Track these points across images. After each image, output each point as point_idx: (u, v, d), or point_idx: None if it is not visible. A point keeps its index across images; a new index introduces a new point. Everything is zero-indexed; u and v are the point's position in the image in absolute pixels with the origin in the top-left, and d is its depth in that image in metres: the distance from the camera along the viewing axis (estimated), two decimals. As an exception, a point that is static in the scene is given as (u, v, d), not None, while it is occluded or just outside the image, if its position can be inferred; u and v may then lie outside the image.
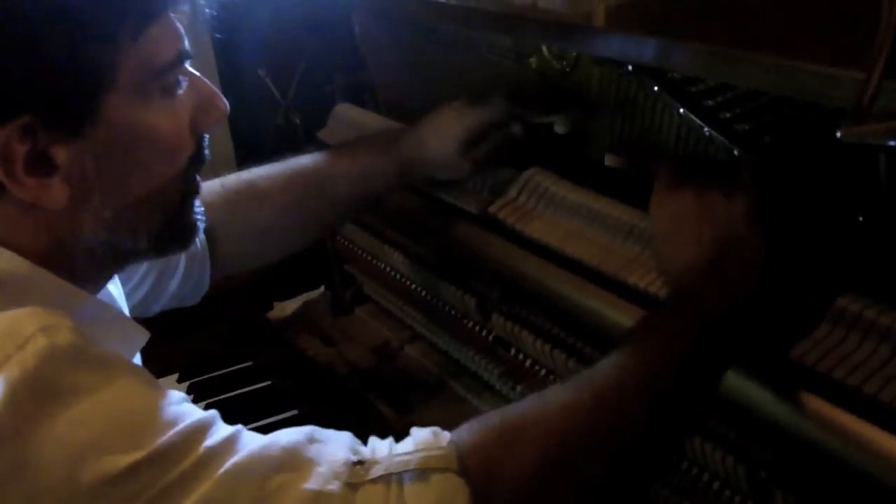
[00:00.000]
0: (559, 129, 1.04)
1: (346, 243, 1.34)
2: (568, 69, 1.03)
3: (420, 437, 0.67)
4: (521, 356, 1.04)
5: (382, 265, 1.27)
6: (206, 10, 0.74)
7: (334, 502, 0.62)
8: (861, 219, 0.78)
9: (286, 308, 1.46)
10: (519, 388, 1.03)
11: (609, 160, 1.00)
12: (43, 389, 0.59)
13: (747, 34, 0.71)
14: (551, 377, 0.99)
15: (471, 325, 1.10)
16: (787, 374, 0.72)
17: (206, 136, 0.76)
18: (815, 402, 0.70)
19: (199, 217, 0.78)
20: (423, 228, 1.15)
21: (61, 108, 0.64)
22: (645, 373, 0.70)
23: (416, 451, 0.65)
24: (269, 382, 1.36)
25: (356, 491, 0.63)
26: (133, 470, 0.58)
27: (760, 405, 0.73)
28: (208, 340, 1.43)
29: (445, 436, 0.67)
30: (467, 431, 0.68)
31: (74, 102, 0.65)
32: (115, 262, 0.76)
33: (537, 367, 1.02)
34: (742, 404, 0.75)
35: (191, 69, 0.73)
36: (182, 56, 0.71)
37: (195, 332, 1.40)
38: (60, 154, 0.65)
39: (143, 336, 0.78)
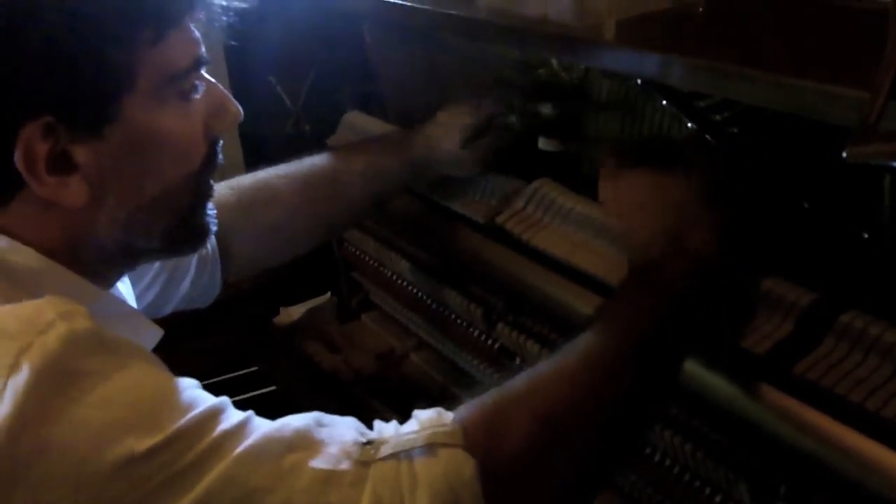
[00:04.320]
0: (545, 111, 1.07)
1: (354, 250, 1.34)
2: (576, 81, 1.03)
3: (424, 416, 0.69)
4: (525, 366, 1.04)
5: (389, 273, 1.27)
6: (223, 18, 0.76)
7: (347, 480, 0.64)
8: (866, 235, 0.78)
9: (293, 313, 1.46)
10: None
11: (542, 143, 1.04)
12: (65, 374, 0.60)
13: (753, 51, 0.71)
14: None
15: (476, 333, 1.11)
16: (789, 389, 0.72)
17: (220, 140, 0.78)
18: (817, 418, 0.70)
19: (210, 219, 0.80)
20: (430, 237, 1.15)
21: (82, 109, 0.67)
22: (622, 341, 0.73)
23: (423, 429, 0.67)
24: (273, 388, 1.37)
25: (368, 468, 0.65)
26: (153, 451, 0.60)
27: (761, 419, 0.74)
28: (214, 344, 1.44)
29: (449, 414, 0.69)
30: (467, 409, 0.70)
31: (95, 104, 0.67)
32: (127, 260, 0.79)
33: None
34: (742, 418, 0.75)
35: (206, 75, 0.75)
36: (199, 62, 0.73)
37: (201, 336, 1.40)
38: (80, 154, 0.68)
39: (156, 333, 0.80)
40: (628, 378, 0.73)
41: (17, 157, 0.65)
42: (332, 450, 0.65)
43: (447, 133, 1.06)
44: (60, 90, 0.65)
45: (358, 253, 1.34)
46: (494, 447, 0.67)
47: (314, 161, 1.07)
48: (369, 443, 0.66)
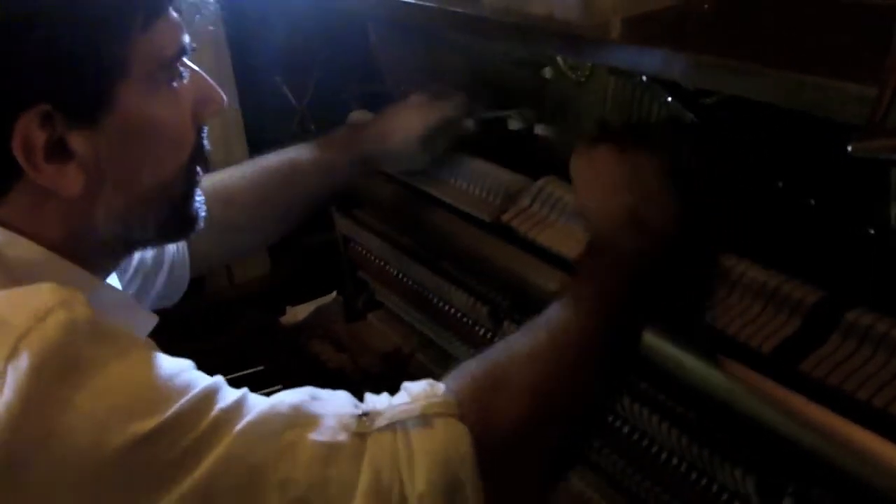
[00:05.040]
0: (513, 125, 1.11)
1: (360, 249, 1.35)
2: (582, 79, 1.03)
3: (415, 388, 0.71)
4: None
5: (395, 272, 1.27)
6: (207, 4, 0.78)
7: (346, 452, 0.65)
8: (872, 231, 0.78)
9: (299, 313, 1.47)
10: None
11: (539, 129, 1.08)
12: (66, 362, 0.61)
13: (759, 47, 0.71)
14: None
15: (482, 332, 1.11)
16: (796, 387, 0.72)
17: (206, 128, 0.80)
18: (824, 416, 0.70)
19: (200, 207, 0.81)
20: (436, 235, 1.15)
21: (78, 96, 0.68)
22: (588, 311, 0.76)
23: (417, 400, 0.69)
24: (280, 387, 1.36)
25: (365, 440, 0.66)
26: (154, 434, 0.61)
27: (767, 417, 0.74)
28: (221, 344, 1.44)
29: (440, 385, 0.71)
30: (455, 382, 0.72)
31: (91, 91, 0.68)
32: (124, 249, 0.81)
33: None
34: (749, 416, 0.75)
35: (191, 64, 0.77)
36: (184, 48, 0.74)
37: (208, 336, 1.41)
38: (76, 141, 0.69)
39: (151, 320, 0.82)
40: (599, 349, 0.76)
41: (16, 146, 0.66)
42: (329, 422, 0.66)
43: (401, 131, 1.10)
44: (57, 78, 0.66)
45: (364, 252, 1.34)
46: (487, 420, 0.69)
47: (268, 159, 1.11)
48: (365, 415, 0.67)
